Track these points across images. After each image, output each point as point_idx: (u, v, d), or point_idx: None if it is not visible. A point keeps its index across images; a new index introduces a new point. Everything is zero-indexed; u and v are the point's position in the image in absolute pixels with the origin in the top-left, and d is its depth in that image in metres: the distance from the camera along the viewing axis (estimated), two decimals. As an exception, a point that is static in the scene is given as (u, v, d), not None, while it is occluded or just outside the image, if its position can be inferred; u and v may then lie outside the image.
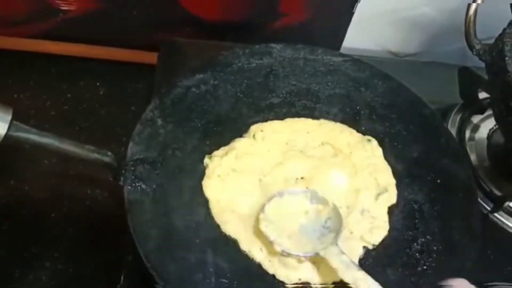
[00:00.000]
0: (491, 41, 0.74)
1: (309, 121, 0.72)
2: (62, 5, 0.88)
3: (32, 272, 0.71)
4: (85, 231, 0.75)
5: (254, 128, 0.69)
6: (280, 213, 0.61)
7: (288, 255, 0.58)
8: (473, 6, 0.73)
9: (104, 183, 0.78)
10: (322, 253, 0.57)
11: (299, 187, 0.64)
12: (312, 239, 0.59)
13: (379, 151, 0.69)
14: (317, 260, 0.58)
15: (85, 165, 0.79)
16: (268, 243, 0.59)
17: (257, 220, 0.60)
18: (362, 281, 0.53)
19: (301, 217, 0.61)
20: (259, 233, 0.59)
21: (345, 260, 0.56)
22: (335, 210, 0.61)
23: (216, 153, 0.66)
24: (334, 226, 0.60)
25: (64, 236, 0.74)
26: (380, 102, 0.73)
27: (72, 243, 0.74)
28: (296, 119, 0.72)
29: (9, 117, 0.51)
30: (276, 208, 0.61)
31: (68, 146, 0.55)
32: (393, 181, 0.67)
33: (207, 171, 0.64)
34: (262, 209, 0.61)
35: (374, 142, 0.70)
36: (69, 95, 0.89)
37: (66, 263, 0.72)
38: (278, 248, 0.58)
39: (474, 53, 0.74)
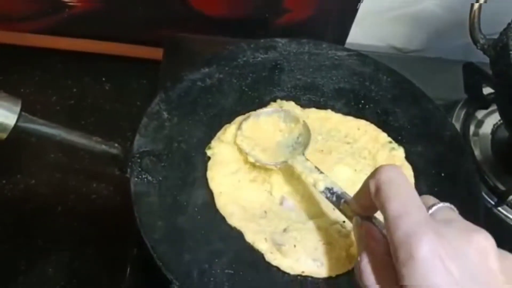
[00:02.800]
0: (496, 36, 0.74)
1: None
2: (67, 1, 0.88)
3: (38, 265, 0.72)
4: (90, 225, 0.76)
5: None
6: (257, 131, 0.66)
7: (261, 164, 0.63)
8: (477, 3, 0.73)
9: (110, 178, 0.79)
10: (289, 161, 0.62)
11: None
12: (285, 152, 0.65)
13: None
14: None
15: (91, 159, 0.80)
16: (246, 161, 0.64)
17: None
18: (321, 181, 0.58)
19: (276, 134, 0.67)
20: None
21: (309, 165, 0.61)
22: (305, 126, 0.66)
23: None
24: (304, 141, 0.65)
25: (70, 230, 0.75)
26: (385, 96, 0.74)
27: (78, 236, 0.75)
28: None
29: (18, 108, 0.52)
30: (253, 126, 0.67)
31: (75, 138, 0.56)
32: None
33: (209, 163, 0.65)
34: (240, 126, 0.66)
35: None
36: (74, 90, 0.89)
37: (72, 257, 0.73)
38: (251, 159, 0.63)
39: (479, 48, 0.74)
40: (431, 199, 0.46)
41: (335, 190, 0.57)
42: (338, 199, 0.56)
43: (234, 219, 0.60)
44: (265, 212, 0.62)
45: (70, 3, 0.88)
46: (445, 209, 0.45)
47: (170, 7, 0.90)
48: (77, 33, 0.92)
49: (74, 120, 0.86)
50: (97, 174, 0.79)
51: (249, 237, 0.59)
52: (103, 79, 0.91)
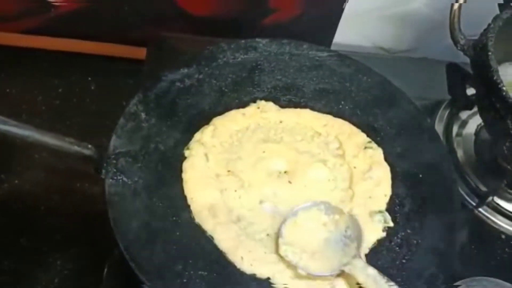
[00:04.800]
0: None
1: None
2: (54, 1, 0.88)
3: (21, 265, 0.72)
4: (74, 225, 0.76)
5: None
6: (299, 233, 0.60)
7: (315, 277, 0.57)
8: (457, 3, 0.73)
9: (94, 177, 0.79)
10: (347, 269, 0.56)
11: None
12: (337, 250, 0.58)
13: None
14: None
15: (75, 159, 0.80)
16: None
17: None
18: None
19: (320, 231, 0.60)
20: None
21: (371, 273, 0.55)
22: (352, 218, 0.60)
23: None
24: (355, 234, 0.59)
25: (54, 230, 0.75)
26: (365, 97, 0.73)
27: (62, 236, 0.75)
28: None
29: (-14, 110, 0.52)
30: (293, 229, 0.60)
31: (47, 139, 0.56)
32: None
33: (185, 165, 0.64)
34: (279, 232, 0.59)
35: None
36: (60, 90, 0.89)
37: (55, 256, 0.73)
38: (303, 273, 0.57)
39: (459, 48, 0.74)
40: None
41: None
42: None
43: (207, 226, 0.60)
44: (238, 217, 0.61)
45: (55, 3, 0.88)
46: None
47: (156, 6, 0.90)
48: (63, 33, 0.92)
49: (60, 119, 0.86)
50: (81, 174, 0.79)
51: (222, 245, 0.58)
52: (89, 78, 0.91)
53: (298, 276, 0.57)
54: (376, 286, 0.54)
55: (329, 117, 0.71)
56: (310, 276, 0.56)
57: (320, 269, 0.57)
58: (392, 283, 0.53)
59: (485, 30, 0.71)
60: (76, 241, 0.75)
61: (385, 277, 0.54)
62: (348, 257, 0.57)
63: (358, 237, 0.58)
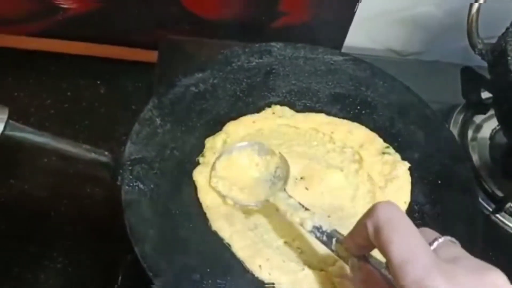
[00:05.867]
0: (494, 40, 0.73)
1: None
2: (62, 3, 0.87)
3: (31, 271, 0.71)
4: (84, 230, 0.75)
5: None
6: (231, 169, 0.63)
7: (241, 206, 0.60)
8: (476, 5, 0.73)
9: (104, 182, 0.78)
10: (271, 199, 0.59)
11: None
12: (264, 188, 0.61)
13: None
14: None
15: (85, 164, 0.79)
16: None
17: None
18: (308, 220, 0.55)
19: (252, 169, 0.63)
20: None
21: (292, 202, 0.58)
22: (283, 158, 0.63)
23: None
24: (283, 174, 0.62)
25: (63, 235, 0.74)
26: (381, 101, 0.73)
27: (71, 242, 0.74)
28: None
29: (5, 116, 0.51)
30: (226, 164, 0.63)
31: (64, 146, 0.55)
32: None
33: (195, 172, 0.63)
34: (213, 167, 0.63)
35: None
36: (69, 94, 0.89)
37: (65, 262, 0.72)
38: (230, 202, 0.60)
39: (477, 52, 0.73)
40: (430, 232, 0.45)
41: (324, 228, 0.53)
42: (329, 238, 0.53)
43: (224, 234, 0.59)
44: (255, 225, 0.61)
45: (64, 6, 0.88)
46: (448, 244, 0.44)
47: (165, 9, 0.89)
48: (71, 36, 0.91)
49: (69, 123, 0.85)
50: (91, 179, 0.78)
51: (239, 254, 0.58)
52: (98, 82, 0.91)
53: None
54: (296, 213, 0.56)
55: (346, 121, 0.70)
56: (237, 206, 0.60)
57: (247, 200, 0.60)
58: (309, 211, 0.56)
59: (503, 34, 0.70)
60: (86, 246, 0.74)
61: (303, 206, 0.57)
62: (274, 193, 0.60)
63: (285, 176, 0.61)
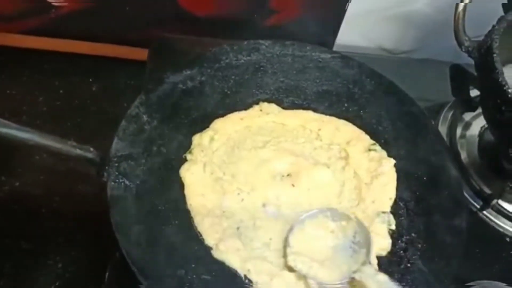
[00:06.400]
0: (482, 38, 0.73)
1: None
2: (55, 1, 0.88)
3: (22, 268, 0.71)
4: (76, 227, 0.75)
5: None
6: (306, 241, 0.58)
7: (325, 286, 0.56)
8: (462, 4, 0.73)
9: (95, 180, 0.78)
10: (357, 277, 0.55)
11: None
12: (346, 258, 0.57)
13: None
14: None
15: (76, 161, 0.80)
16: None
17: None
18: None
19: (328, 238, 0.59)
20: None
21: (382, 279, 0.54)
22: (360, 223, 0.59)
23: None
24: (363, 240, 0.58)
25: (55, 232, 0.75)
26: (368, 99, 0.73)
27: (63, 239, 0.74)
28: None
29: (-12, 112, 0.51)
30: (300, 238, 0.59)
31: (49, 142, 0.55)
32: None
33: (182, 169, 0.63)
34: (286, 242, 0.58)
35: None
36: (61, 91, 0.89)
37: (56, 259, 0.72)
38: (314, 285, 0.55)
39: (463, 50, 0.74)
40: None
41: None
42: None
43: (209, 238, 0.59)
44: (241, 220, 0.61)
45: (56, 4, 0.88)
46: None
47: (157, 7, 0.90)
48: (64, 34, 0.92)
49: (61, 121, 0.85)
50: (82, 176, 0.78)
51: (218, 254, 0.58)
52: (90, 80, 0.91)
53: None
54: None
55: (333, 119, 0.71)
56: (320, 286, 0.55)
57: (330, 277, 0.55)
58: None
59: (489, 31, 0.70)
60: (77, 243, 0.74)
61: (396, 283, 0.54)
62: (358, 264, 0.56)
63: (366, 243, 0.57)
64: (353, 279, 0.55)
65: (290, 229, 0.59)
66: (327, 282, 0.55)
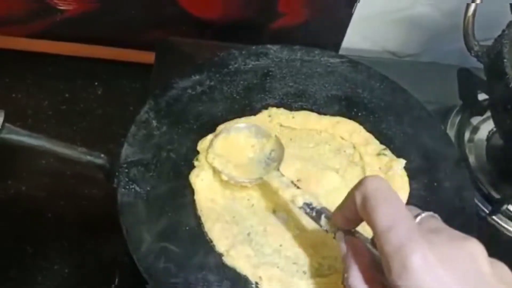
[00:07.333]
0: (490, 43, 0.73)
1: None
2: (60, 4, 0.87)
3: (28, 272, 0.71)
4: (81, 231, 0.75)
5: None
6: (228, 148, 0.64)
7: (235, 182, 0.61)
8: (472, 6, 0.73)
9: (101, 183, 0.78)
10: (265, 177, 0.61)
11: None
12: (258, 168, 0.63)
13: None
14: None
15: (82, 165, 0.79)
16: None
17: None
18: (299, 196, 0.57)
19: (248, 150, 0.65)
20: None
21: (285, 180, 0.59)
22: (278, 142, 0.64)
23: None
24: (277, 156, 0.63)
25: (60, 236, 0.75)
26: (377, 103, 0.73)
27: (68, 243, 0.74)
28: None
29: (1, 119, 0.51)
30: (224, 143, 0.64)
31: (60, 148, 0.55)
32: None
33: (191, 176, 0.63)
34: (210, 144, 0.64)
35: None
36: (66, 95, 0.89)
37: (62, 263, 0.72)
38: (224, 177, 0.61)
39: (473, 54, 0.73)
40: (414, 209, 0.46)
41: (314, 205, 0.55)
42: (318, 214, 0.54)
43: (220, 245, 0.59)
44: (251, 225, 0.61)
45: (61, 7, 0.88)
46: (430, 218, 0.45)
47: (163, 10, 0.89)
48: (69, 37, 0.92)
49: (66, 124, 0.85)
50: (88, 180, 0.78)
51: (229, 261, 0.58)
52: (96, 83, 0.91)
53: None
54: (288, 190, 0.58)
55: (342, 123, 0.70)
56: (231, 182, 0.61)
57: (241, 177, 0.62)
58: (300, 189, 0.58)
59: (499, 36, 0.70)
60: (83, 247, 0.74)
61: (295, 184, 0.59)
62: (267, 173, 0.61)
63: (279, 158, 0.63)
64: (260, 179, 0.61)
65: (217, 134, 0.65)
66: (237, 179, 0.61)
